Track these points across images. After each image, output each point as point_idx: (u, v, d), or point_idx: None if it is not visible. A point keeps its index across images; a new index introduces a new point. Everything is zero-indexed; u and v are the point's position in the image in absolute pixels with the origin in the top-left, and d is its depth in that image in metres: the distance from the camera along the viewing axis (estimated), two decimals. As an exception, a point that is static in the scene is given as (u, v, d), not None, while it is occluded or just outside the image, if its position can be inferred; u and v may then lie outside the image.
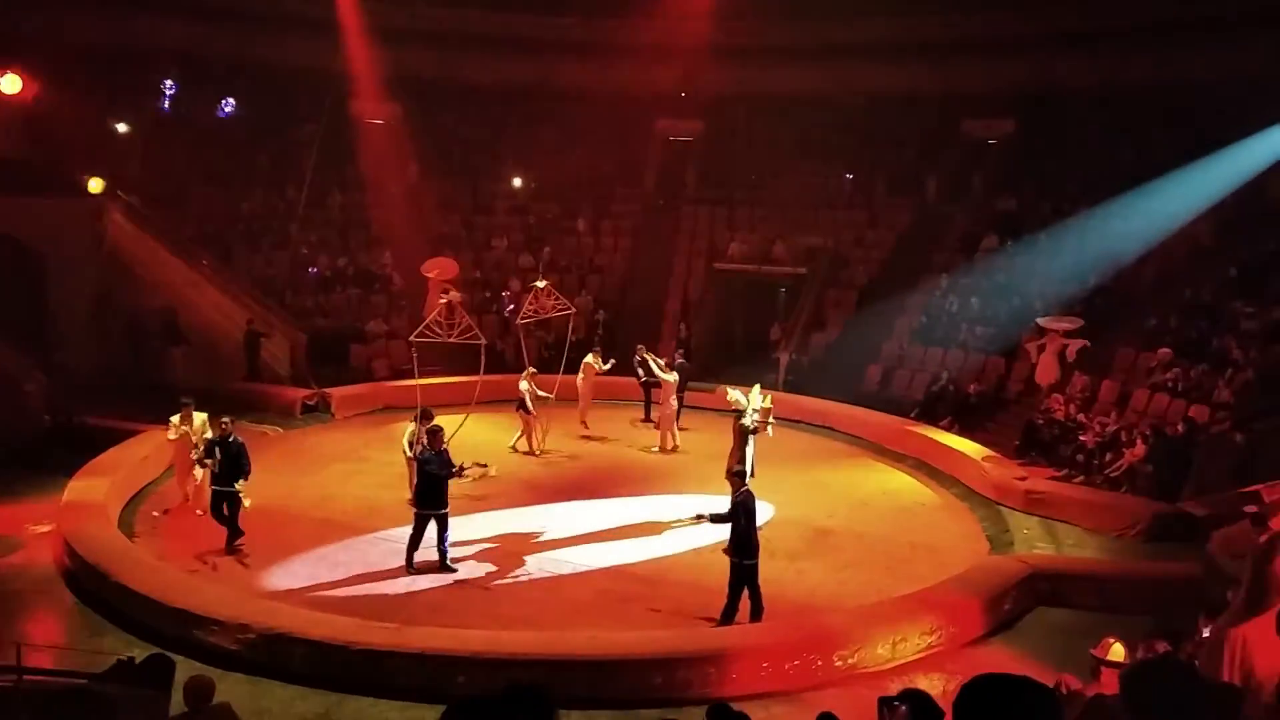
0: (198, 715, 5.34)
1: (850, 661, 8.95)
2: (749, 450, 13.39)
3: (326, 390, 17.85)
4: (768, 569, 9.90)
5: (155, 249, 19.11)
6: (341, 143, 24.09)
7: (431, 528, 10.70)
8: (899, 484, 15.21)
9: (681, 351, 18.50)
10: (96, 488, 11.93)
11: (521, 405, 15.45)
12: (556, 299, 16.53)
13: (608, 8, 23.88)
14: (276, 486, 11.58)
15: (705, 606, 9.88)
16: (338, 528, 12.00)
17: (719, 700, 5.84)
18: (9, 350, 14.77)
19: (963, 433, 16.28)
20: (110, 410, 15.64)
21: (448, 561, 10.79)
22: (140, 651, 7.92)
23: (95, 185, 18.69)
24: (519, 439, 15.68)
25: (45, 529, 11.44)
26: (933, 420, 17.03)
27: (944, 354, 19.05)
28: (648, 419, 17.62)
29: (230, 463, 11.10)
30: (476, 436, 15.22)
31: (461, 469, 10.93)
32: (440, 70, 25.09)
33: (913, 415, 17.48)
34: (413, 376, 16.45)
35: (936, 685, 8.26)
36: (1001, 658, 9.34)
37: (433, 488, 10.63)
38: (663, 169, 26.64)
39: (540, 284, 16.50)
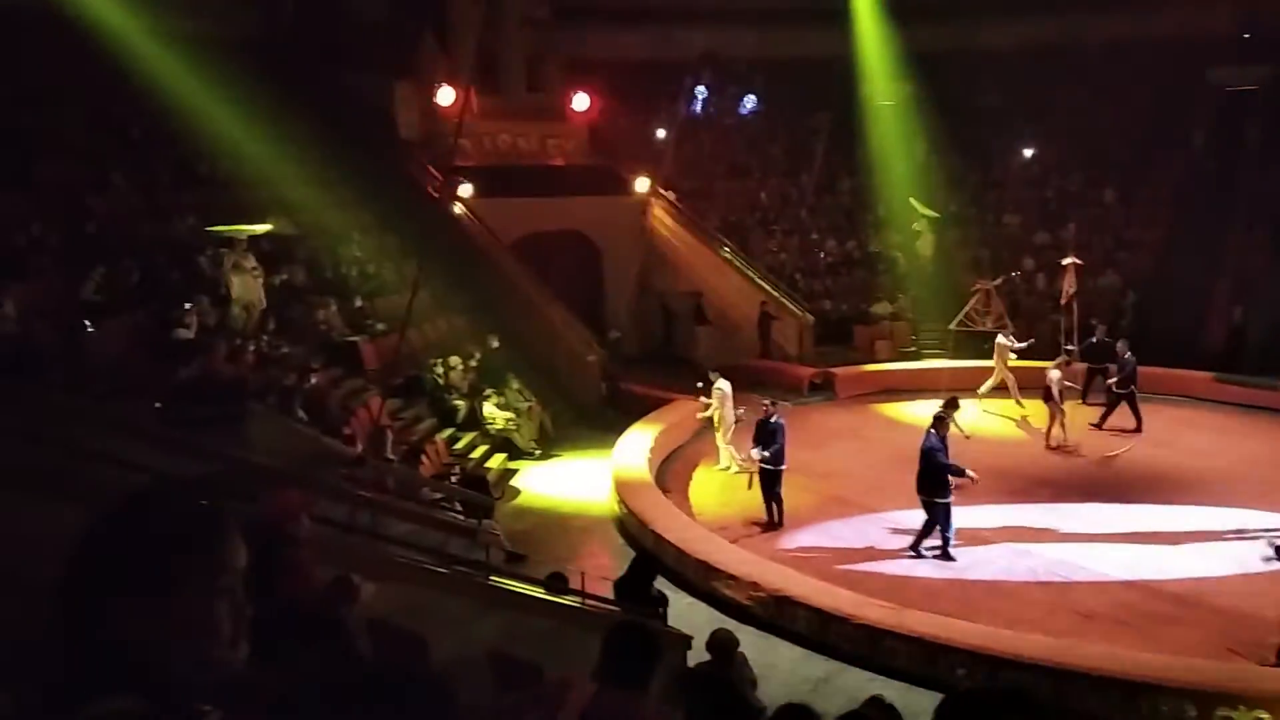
0: (721, 666, 5.97)
1: None
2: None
3: (831, 370, 18.51)
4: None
5: (686, 238, 21.40)
6: (851, 128, 24.62)
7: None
8: None
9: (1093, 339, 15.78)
10: (640, 445, 13.84)
11: (1048, 395, 14.50)
12: (1076, 279, 15.23)
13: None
14: (786, 459, 12.33)
15: (1256, 641, 8.46)
16: (840, 503, 12.45)
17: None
18: (579, 328, 17.71)
19: None
20: (649, 380, 18.03)
21: (949, 550, 10.63)
22: (672, 595, 9.09)
23: (640, 184, 21.52)
24: (1049, 431, 14.68)
25: (605, 478, 13.53)
26: None
27: None
28: (1104, 424, 15.37)
29: (766, 441, 11.58)
30: (989, 426, 14.72)
31: (961, 471, 10.61)
32: (952, 41, 24.39)
33: None
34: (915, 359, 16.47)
35: None
36: None
37: (933, 475, 10.53)
38: (1215, 126, 22.90)
39: (1075, 261, 15.26)
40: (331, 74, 19.51)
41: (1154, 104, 23.25)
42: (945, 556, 10.60)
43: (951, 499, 10.59)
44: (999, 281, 14.75)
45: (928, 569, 10.50)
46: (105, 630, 1.29)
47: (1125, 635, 8.91)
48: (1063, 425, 14.50)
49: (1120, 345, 15.58)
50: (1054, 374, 14.41)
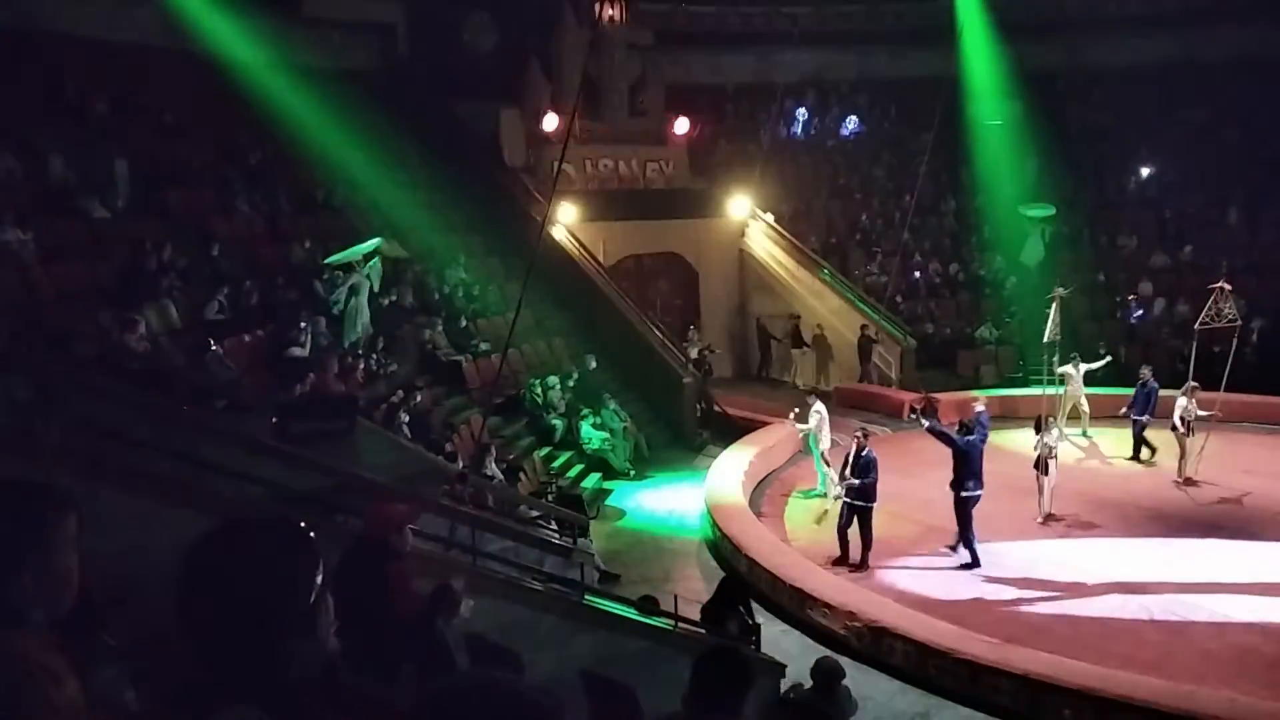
0: (825, 695, 5.89)
1: None
2: None
3: (934, 395, 18.07)
4: None
5: (785, 260, 21.28)
6: (957, 148, 24.14)
7: None
8: None
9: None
10: (734, 468, 13.77)
11: (1176, 425, 13.79)
12: (1230, 306, 14.44)
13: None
14: (883, 486, 12.03)
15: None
16: (941, 534, 12.08)
17: None
18: (675, 349, 17.77)
19: None
20: (743, 403, 17.96)
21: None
22: (765, 622, 9.02)
23: (739, 207, 21.49)
24: (1182, 463, 13.90)
25: (699, 500, 13.51)
26: None
27: None
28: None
29: (858, 475, 11.08)
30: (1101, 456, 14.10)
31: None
32: (1063, 59, 23.73)
33: None
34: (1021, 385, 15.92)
35: None
36: None
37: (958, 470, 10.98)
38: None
39: (1225, 286, 14.51)
40: (441, 103, 20.23)
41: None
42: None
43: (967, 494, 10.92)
44: (1068, 290, 14.20)
45: (1034, 605, 10.14)
46: (217, 640, 1.40)
47: (1247, 683, 8.40)
48: (1183, 457, 13.81)
49: (1144, 371, 15.08)
50: (1182, 401, 13.71)
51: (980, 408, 12.01)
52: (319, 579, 1.46)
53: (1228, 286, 14.37)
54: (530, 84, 20.70)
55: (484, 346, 15.27)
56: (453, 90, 20.29)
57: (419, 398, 12.00)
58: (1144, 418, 14.82)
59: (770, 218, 21.77)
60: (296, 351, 11.00)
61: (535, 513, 10.67)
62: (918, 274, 22.72)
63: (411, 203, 17.32)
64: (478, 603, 6.22)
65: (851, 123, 25.95)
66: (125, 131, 14.37)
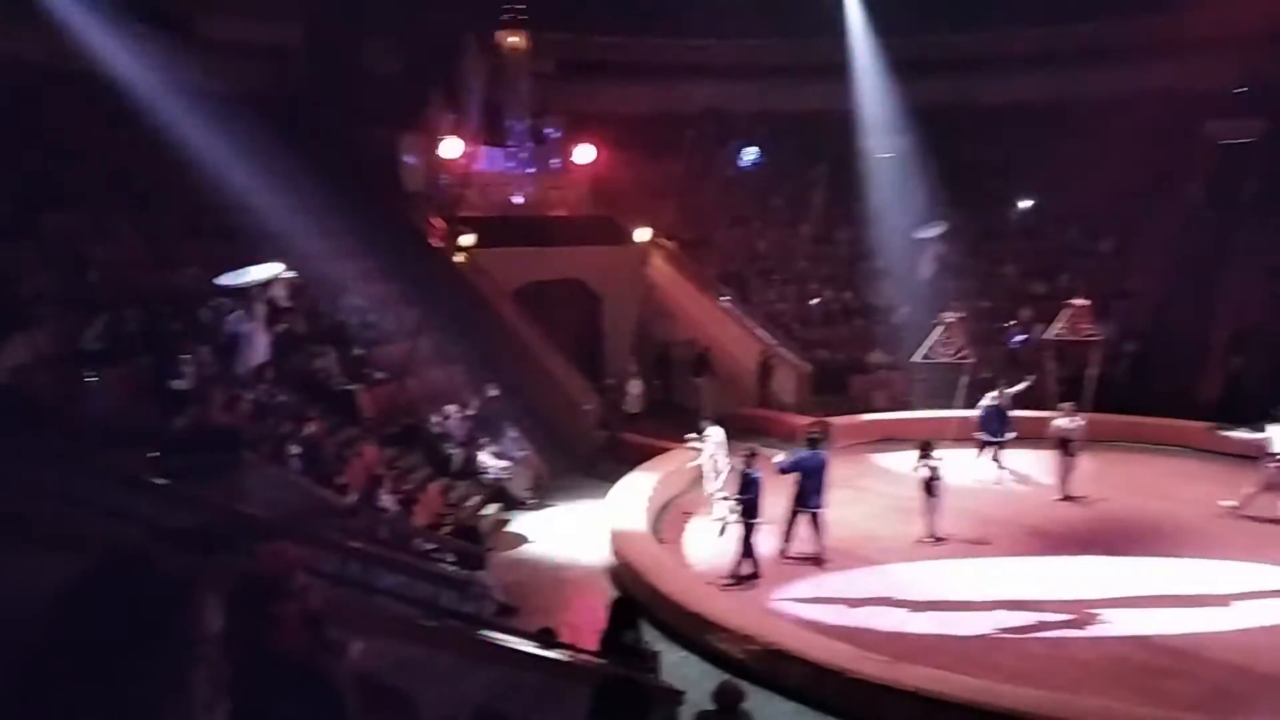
0: (724, 718, 5.91)
1: None
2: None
3: (827, 419, 18.51)
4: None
5: (686, 287, 21.55)
6: (850, 179, 24.95)
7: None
8: None
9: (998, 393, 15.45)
10: (635, 495, 13.81)
11: (1061, 445, 14.40)
12: (1090, 323, 15.10)
13: (1149, 4, 21.78)
14: (777, 510, 12.27)
15: (1252, 695, 8.39)
16: (834, 555, 12.38)
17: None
18: (577, 376, 17.77)
19: None
20: (645, 429, 18.05)
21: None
22: (665, 648, 9.05)
23: (641, 234, 21.73)
24: (1062, 482, 14.49)
25: (600, 528, 13.48)
26: None
27: None
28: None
29: (741, 493, 11.55)
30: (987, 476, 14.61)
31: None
32: (952, 96, 24.81)
33: None
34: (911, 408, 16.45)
35: None
36: None
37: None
38: (1212, 177, 23.18)
39: (1080, 302, 15.17)
40: (340, 127, 19.87)
41: (1152, 156, 23.56)
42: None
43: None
44: (964, 314, 14.75)
45: (922, 623, 10.44)
46: (86, 689, 1.35)
47: (1122, 690, 8.83)
48: (1065, 476, 14.47)
49: (994, 392, 15.65)
50: (1062, 421, 14.34)
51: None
52: (195, 623, 1.43)
53: (1082, 302, 15.11)
54: (432, 110, 20.55)
55: (379, 375, 14.96)
56: (352, 114, 19.97)
57: (310, 428, 11.66)
58: (1001, 438, 15.17)
59: (672, 245, 22.04)
60: (179, 383, 10.58)
61: (431, 546, 10.48)
62: (815, 301, 23.32)
63: (305, 227, 16.90)
64: (369, 642, 6.06)
65: (751, 153, 26.58)
66: (3, 152, 13.65)
